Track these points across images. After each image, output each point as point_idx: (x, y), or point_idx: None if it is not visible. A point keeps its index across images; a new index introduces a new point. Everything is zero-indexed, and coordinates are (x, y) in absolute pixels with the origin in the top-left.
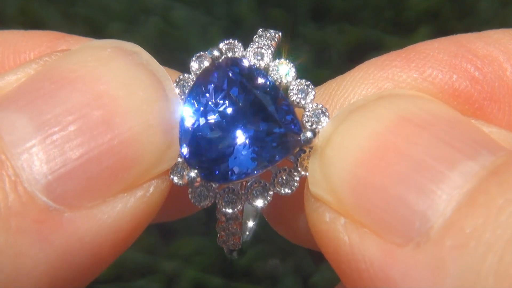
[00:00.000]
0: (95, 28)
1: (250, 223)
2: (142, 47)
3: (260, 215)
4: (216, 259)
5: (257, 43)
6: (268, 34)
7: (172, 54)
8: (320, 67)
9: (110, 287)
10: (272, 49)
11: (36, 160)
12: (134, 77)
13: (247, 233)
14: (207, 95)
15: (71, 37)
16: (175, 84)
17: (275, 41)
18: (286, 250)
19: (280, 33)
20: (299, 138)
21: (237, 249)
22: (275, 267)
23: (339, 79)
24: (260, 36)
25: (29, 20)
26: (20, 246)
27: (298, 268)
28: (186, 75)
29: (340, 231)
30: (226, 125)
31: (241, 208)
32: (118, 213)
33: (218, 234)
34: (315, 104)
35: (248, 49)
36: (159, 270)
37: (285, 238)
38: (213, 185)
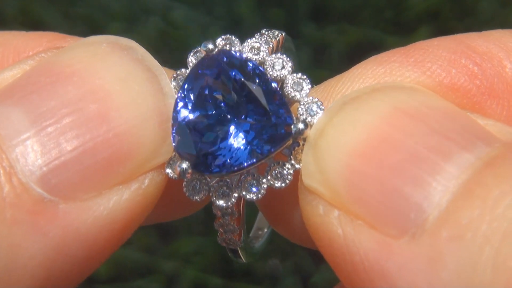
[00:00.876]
0: (95, 28)
1: (265, 230)
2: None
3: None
4: (216, 259)
5: (254, 38)
6: (271, 33)
7: (172, 54)
8: (320, 67)
9: (110, 287)
10: (271, 45)
11: (31, 152)
12: (129, 71)
13: (260, 239)
14: (201, 87)
15: (71, 38)
16: (172, 80)
17: (276, 39)
18: (286, 250)
19: (283, 33)
20: (291, 130)
21: (239, 248)
22: (275, 267)
23: (338, 77)
24: (262, 34)
25: (29, 20)
26: (15, 238)
27: (298, 268)
28: (183, 70)
29: (334, 224)
30: (220, 117)
31: (235, 201)
32: (113, 205)
33: (218, 232)
34: (310, 98)
35: (245, 44)
36: (159, 270)
37: (285, 238)
38: (208, 179)
